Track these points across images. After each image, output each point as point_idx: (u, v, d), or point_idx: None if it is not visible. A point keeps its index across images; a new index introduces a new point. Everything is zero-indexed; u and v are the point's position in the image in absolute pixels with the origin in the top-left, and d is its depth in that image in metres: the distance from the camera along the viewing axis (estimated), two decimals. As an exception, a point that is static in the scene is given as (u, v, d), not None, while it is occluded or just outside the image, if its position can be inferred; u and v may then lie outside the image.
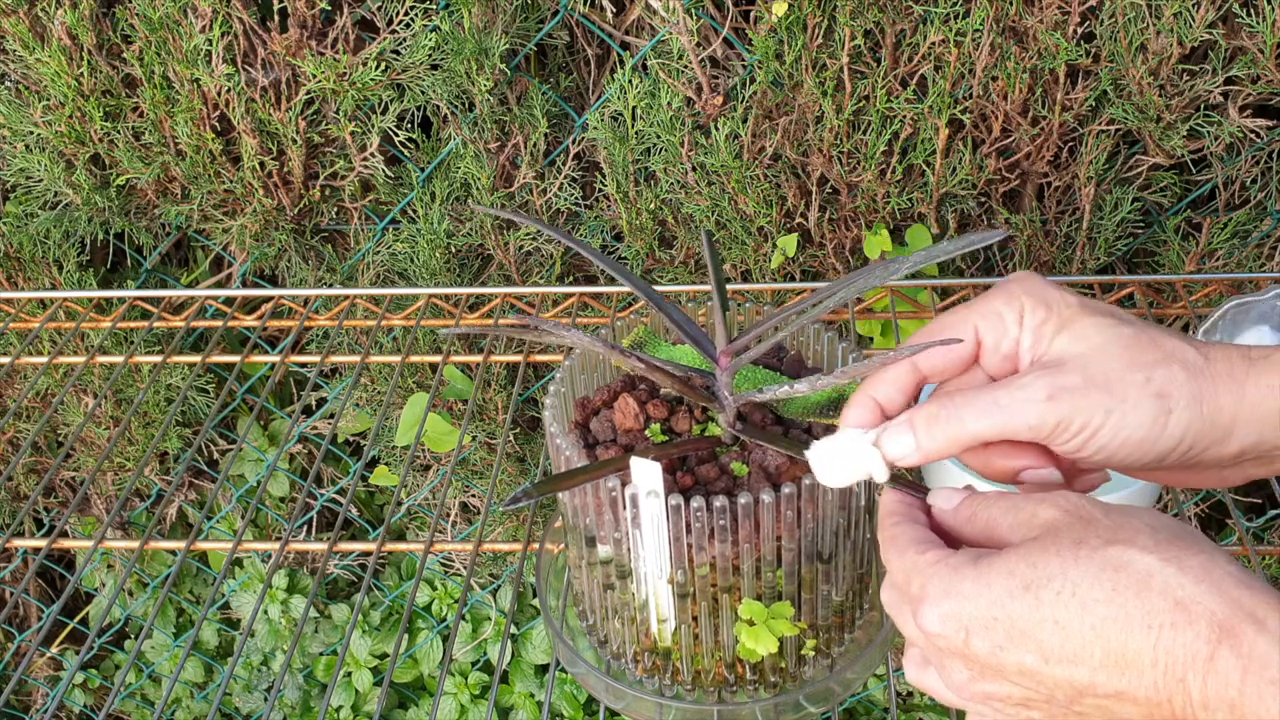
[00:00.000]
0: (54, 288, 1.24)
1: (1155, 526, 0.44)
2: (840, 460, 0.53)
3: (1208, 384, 0.49)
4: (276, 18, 1.06)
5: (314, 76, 1.06)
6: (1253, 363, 0.50)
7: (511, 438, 1.34)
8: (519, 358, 1.05)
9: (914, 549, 0.48)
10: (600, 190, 1.12)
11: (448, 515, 1.48)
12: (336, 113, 1.10)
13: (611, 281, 1.13)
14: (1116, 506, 0.45)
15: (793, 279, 1.13)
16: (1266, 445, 0.50)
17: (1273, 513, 1.21)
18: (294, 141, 1.10)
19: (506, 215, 0.61)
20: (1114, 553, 0.42)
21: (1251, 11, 0.92)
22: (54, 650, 1.69)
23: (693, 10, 1.00)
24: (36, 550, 0.89)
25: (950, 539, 0.50)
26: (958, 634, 0.45)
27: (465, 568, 1.54)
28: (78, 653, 1.68)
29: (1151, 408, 0.49)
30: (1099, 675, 0.42)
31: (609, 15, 1.09)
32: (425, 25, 1.04)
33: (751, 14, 1.04)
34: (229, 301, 1.16)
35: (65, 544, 0.90)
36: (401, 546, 0.89)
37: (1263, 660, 0.39)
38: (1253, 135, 1.00)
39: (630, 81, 1.03)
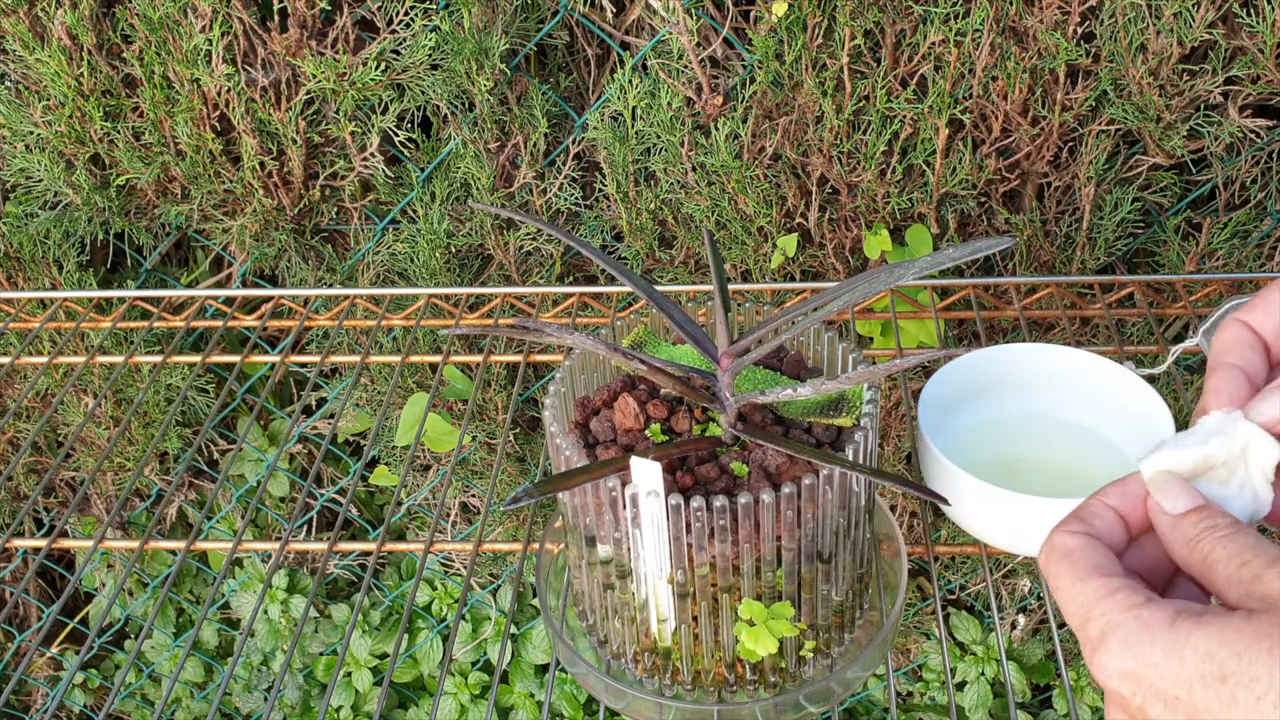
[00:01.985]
0: (54, 288, 1.24)
1: None
2: (1204, 458, 0.45)
3: None
4: (276, 18, 1.06)
5: (314, 76, 1.06)
6: None
7: (511, 438, 1.34)
8: (519, 358, 1.05)
9: (1097, 577, 0.43)
10: (600, 190, 1.12)
11: (448, 515, 1.48)
12: (336, 113, 1.10)
13: (611, 281, 1.13)
14: None
15: (793, 279, 1.13)
16: None
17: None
18: (294, 141, 1.10)
19: (507, 214, 0.61)
20: None
21: (1251, 11, 0.92)
22: (54, 650, 1.69)
23: (693, 10, 1.00)
24: (36, 550, 0.89)
25: (1143, 542, 0.45)
26: (1134, 695, 0.41)
27: (465, 568, 1.54)
28: (78, 653, 1.68)
29: None
30: None
31: (609, 15, 1.09)
32: (425, 25, 1.04)
33: (751, 14, 1.04)
34: (229, 301, 1.16)
35: (65, 544, 0.90)
36: (401, 546, 0.89)
37: None
38: (1253, 135, 1.00)
39: (630, 81, 1.03)
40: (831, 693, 0.65)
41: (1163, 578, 0.46)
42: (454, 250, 1.18)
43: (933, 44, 0.97)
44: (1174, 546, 0.44)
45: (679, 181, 1.08)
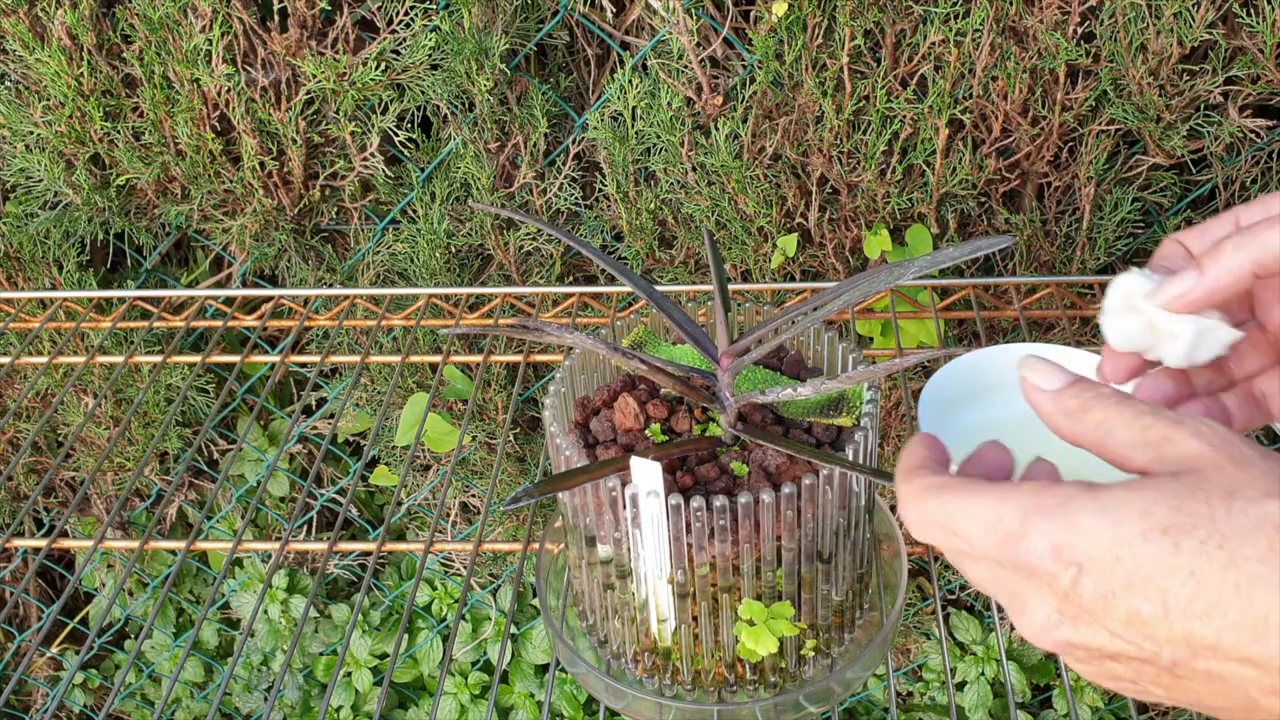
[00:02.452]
0: (54, 288, 1.24)
1: None
2: (1127, 317, 0.49)
3: None
4: (276, 18, 1.06)
5: (314, 76, 1.06)
6: None
7: (511, 438, 1.34)
8: (519, 358, 1.05)
9: (989, 486, 0.42)
10: (600, 190, 1.12)
11: (448, 515, 1.48)
12: (336, 113, 1.10)
13: (611, 281, 1.13)
14: (1271, 452, 0.40)
15: (793, 279, 1.13)
16: None
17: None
18: (294, 141, 1.10)
19: (508, 214, 0.61)
20: (1275, 508, 0.38)
21: (1251, 11, 0.92)
22: (54, 650, 1.69)
23: (693, 10, 1.00)
24: (36, 550, 0.89)
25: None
26: (1067, 570, 0.40)
27: (465, 568, 1.54)
28: (78, 653, 1.68)
29: None
30: (1228, 636, 0.38)
31: (609, 15, 1.09)
32: (425, 25, 1.04)
33: (751, 14, 1.04)
34: (229, 301, 1.16)
35: (65, 544, 0.90)
36: (401, 546, 0.89)
37: None
38: (1253, 135, 1.00)
39: (630, 81, 1.03)
40: (831, 693, 0.65)
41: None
42: (454, 250, 1.18)
43: (933, 44, 0.97)
44: (1059, 420, 0.44)
45: (679, 181, 1.08)
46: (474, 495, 1.45)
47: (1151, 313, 0.49)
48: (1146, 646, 0.39)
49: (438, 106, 1.12)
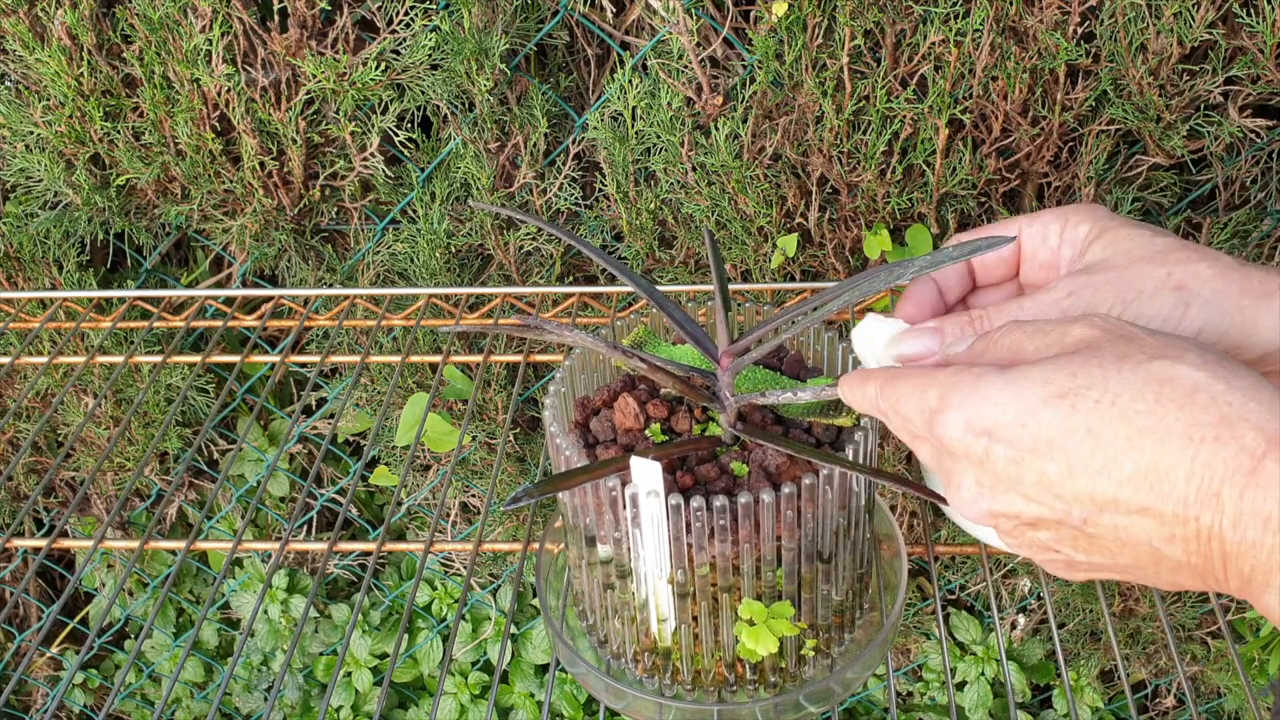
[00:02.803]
0: (54, 288, 1.24)
1: (1203, 348, 0.42)
2: (873, 345, 0.54)
3: (1233, 284, 0.49)
4: (276, 18, 1.06)
5: (314, 76, 1.06)
6: None
7: (511, 438, 1.34)
8: (519, 358, 1.05)
9: (928, 369, 0.47)
10: (600, 190, 1.12)
11: (448, 515, 1.48)
12: (336, 113, 1.10)
13: (612, 281, 1.13)
14: (1158, 331, 0.44)
15: (793, 279, 1.13)
16: None
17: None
18: (294, 141, 1.10)
19: (508, 213, 0.61)
20: (1160, 366, 0.41)
21: (1251, 11, 0.92)
22: (54, 650, 1.69)
23: (693, 10, 1.00)
24: (36, 550, 0.89)
25: None
26: (979, 440, 0.43)
27: (465, 568, 1.54)
28: (78, 653, 1.68)
29: (1169, 299, 0.49)
30: (1124, 490, 0.40)
31: (609, 15, 1.09)
32: (425, 25, 1.04)
33: (751, 14, 1.04)
34: (229, 301, 1.16)
35: (65, 544, 0.90)
36: (401, 546, 0.89)
37: None
38: (1253, 135, 1.00)
39: (630, 81, 1.03)
40: (831, 693, 0.65)
41: None
42: (454, 250, 1.18)
43: (933, 44, 0.97)
44: (981, 362, 0.47)
45: (679, 181, 1.08)
46: (474, 495, 1.45)
47: (889, 360, 0.54)
48: (1058, 506, 0.42)
49: (438, 106, 1.12)
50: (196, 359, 1.08)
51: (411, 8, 1.04)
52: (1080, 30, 0.95)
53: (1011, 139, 1.02)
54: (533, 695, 1.56)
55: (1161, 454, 0.40)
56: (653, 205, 1.10)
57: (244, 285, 1.32)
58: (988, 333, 0.48)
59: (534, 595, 1.56)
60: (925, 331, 0.52)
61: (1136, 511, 0.40)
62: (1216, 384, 0.40)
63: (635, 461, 0.55)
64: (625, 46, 1.10)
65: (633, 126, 1.06)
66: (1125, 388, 0.41)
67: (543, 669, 1.55)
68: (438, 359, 1.03)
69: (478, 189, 1.12)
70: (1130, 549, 0.42)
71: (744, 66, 1.05)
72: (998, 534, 0.46)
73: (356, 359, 1.04)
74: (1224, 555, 0.39)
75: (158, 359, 1.06)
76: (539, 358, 1.06)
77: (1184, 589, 0.42)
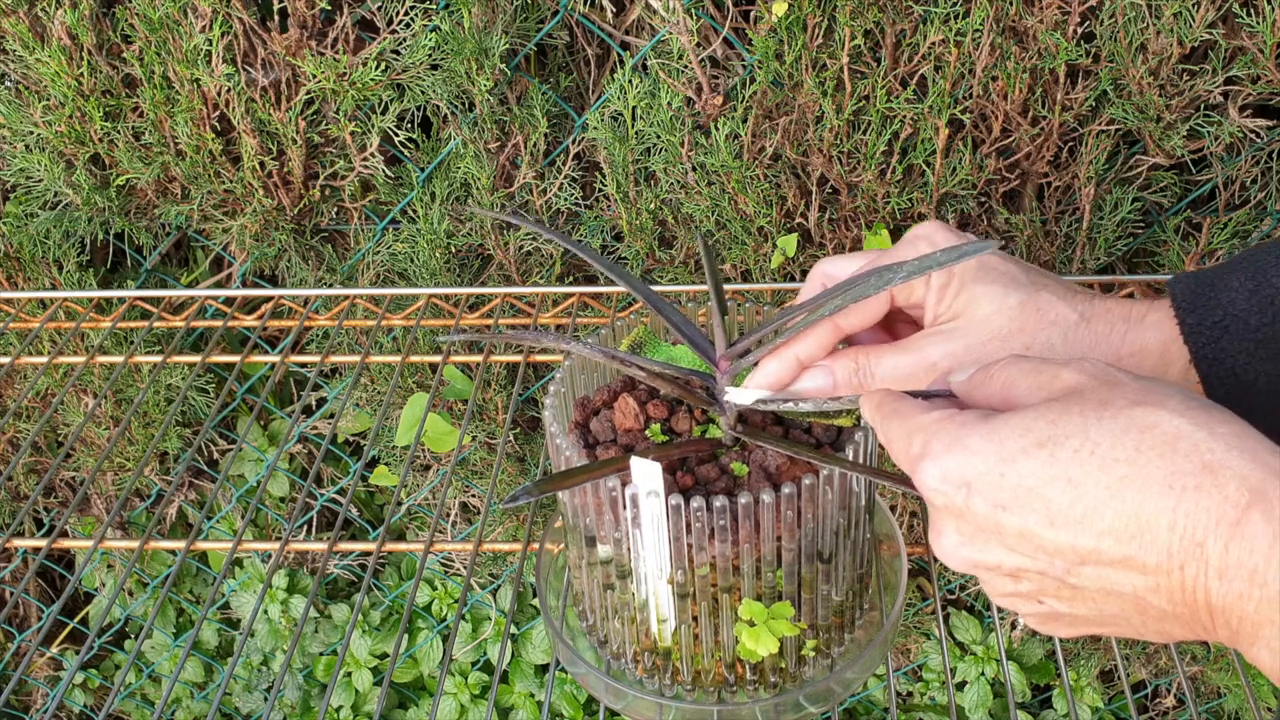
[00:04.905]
0: (54, 288, 1.24)
1: (1186, 394, 0.41)
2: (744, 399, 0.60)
3: (1085, 347, 0.53)
4: (276, 18, 1.06)
5: (314, 76, 1.06)
6: (1130, 324, 0.53)
7: (511, 438, 1.34)
8: (519, 358, 1.05)
9: (919, 411, 0.47)
10: (600, 190, 1.12)
11: (448, 515, 1.48)
12: (336, 113, 1.10)
13: (611, 281, 1.13)
14: (1145, 376, 0.44)
15: (793, 279, 1.13)
16: None
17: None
18: (294, 141, 1.10)
19: (505, 218, 0.61)
20: (1141, 413, 0.40)
21: (1251, 11, 0.92)
22: (54, 650, 1.69)
23: (693, 10, 1.00)
24: (36, 550, 0.89)
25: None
26: (958, 491, 0.43)
27: (465, 568, 1.54)
28: (78, 653, 1.68)
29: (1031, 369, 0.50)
30: (1106, 540, 0.40)
31: (609, 15, 1.09)
32: (425, 25, 1.04)
33: (751, 14, 1.04)
34: (229, 301, 1.16)
35: (65, 544, 0.90)
36: (401, 546, 0.89)
37: None
38: (1253, 135, 1.00)
39: (630, 81, 1.03)
40: (831, 693, 0.65)
41: None
42: (454, 250, 1.18)
43: (933, 44, 0.97)
44: (974, 395, 0.49)
45: (679, 181, 1.08)
46: (474, 495, 1.45)
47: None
48: (1040, 558, 0.42)
49: (438, 106, 1.12)
50: (196, 359, 1.08)
51: (411, 8, 1.04)
52: (1080, 30, 0.95)
53: (1011, 139, 1.02)
54: (533, 695, 1.56)
55: (1143, 503, 0.39)
56: (653, 205, 1.10)
57: (244, 285, 1.32)
58: (987, 365, 0.49)
59: (534, 595, 1.56)
60: (820, 370, 0.58)
61: (1119, 562, 0.40)
62: (1199, 432, 0.39)
63: (635, 462, 0.55)
64: (625, 46, 1.10)
65: (633, 126, 1.06)
66: (1105, 435, 0.40)
67: (543, 669, 1.55)
68: (438, 359, 1.03)
69: (478, 189, 1.12)
70: (1115, 599, 0.41)
71: (744, 66, 1.05)
72: (981, 584, 0.46)
73: (356, 359, 1.04)
74: (1210, 607, 0.38)
75: (158, 359, 1.06)
76: (539, 358, 1.06)
77: (1173, 639, 0.42)
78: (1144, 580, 0.40)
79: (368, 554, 1.51)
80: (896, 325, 0.62)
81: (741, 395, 0.59)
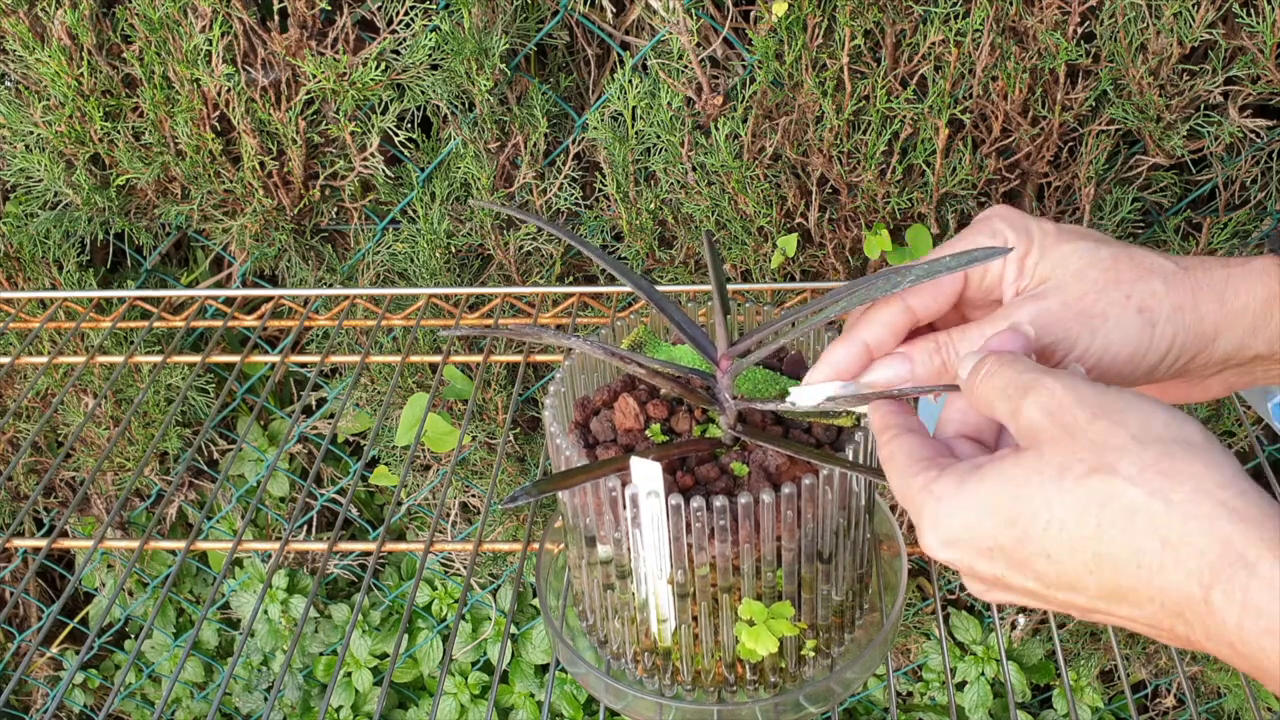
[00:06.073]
0: (54, 288, 1.24)
1: (1142, 441, 0.41)
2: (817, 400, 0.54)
3: (1187, 295, 0.50)
4: (276, 18, 1.06)
5: (314, 76, 1.06)
6: (1230, 272, 0.51)
7: (511, 438, 1.34)
8: (519, 358, 1.05)
9: (908, 468, 0.47)
10: (600, 190, 1.12)
11: (448, 515, 1.48)
12: (336, 113, 1.10)
13: (611, 281, 1.13)
14: (1102, 404, 0.43)
15: (793, 279, 1.13)
16: (1247, 353, 0.51)
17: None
18: (294, 141, 1.10)
19: (509, 212, 0.61)
20: (1098, 484, 0.41)
21: (1251, 11, 0.92)
22: (54, 650, 1.69)
23: (693, 10, 1.00)
24: (36, 550, 0.89)
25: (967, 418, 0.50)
26: (961, 559, 0.45)
27: (465, 568, 1.54)
28: (78, 653, 1.68)
29: (1135, 322, 0.49)
30: (1098, 602, 0.42)
31: (609, 15, 1.09)
32: (425, 25, 1.04)
33: (751, 14, 1.04)
34: (229, 301, 1.16)
35: (65, 544, 0.90)
36: (401, 546, 0.89)
37: (1256, 609, 0.38)
38: (1253, 135, 1.00)
39: (630, 81, 1.03)
40: (831, 693, 0.65)
41: (993, 428, 0.51)
42: (454, 250, 1.18)
43: (933, 44, 0.97)
44: (968, 415, 0.49)
45: (679, 181, 1.08)
46: (474, 495, 1.45)
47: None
48: (1054, 604, 0.44)
49: (438, 106, 1.12)
50: (196, 359, 1.08)
51: (411, 8, 1.04)
52: (1080, 30, 0.95)
53: (1011, 139, 1.02)
54: (533, 695, 1.56)
55: (1119, 579, 0.41)
56: (653, 205, 1.10)
57: (244, 285, 1.32)
58: (975, 368, 0.48)
59: (534, 595, 1.56)
60: (896, 358, 0.52)
61: (1119, 615, 0.42)
62: (1154, 503, 0.40)
63: (635, 462, 0.55)
64: (625, 46, 1.10)
65: (633, 126, 1.06)
66: (1069, 513, 0.41)
67: (543, 669, 1.55)
68: (438, 359, 1.03)
69: (478, 189, 1.12)
70: (1131, 622, 0.44)
71: (744, 66, 1.05)
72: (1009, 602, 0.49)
73: (356, 359, 1.04)
74: (1206, 649, 0.41)
75: (158, 359, 1.06)
76: (539, 358, 1.06)
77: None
78: (1148, 631, 0.43)
79: (368, 554, 1.51)
80: (970, 314, 0.57)
81: (808, 395, 0.54)
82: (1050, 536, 0.42)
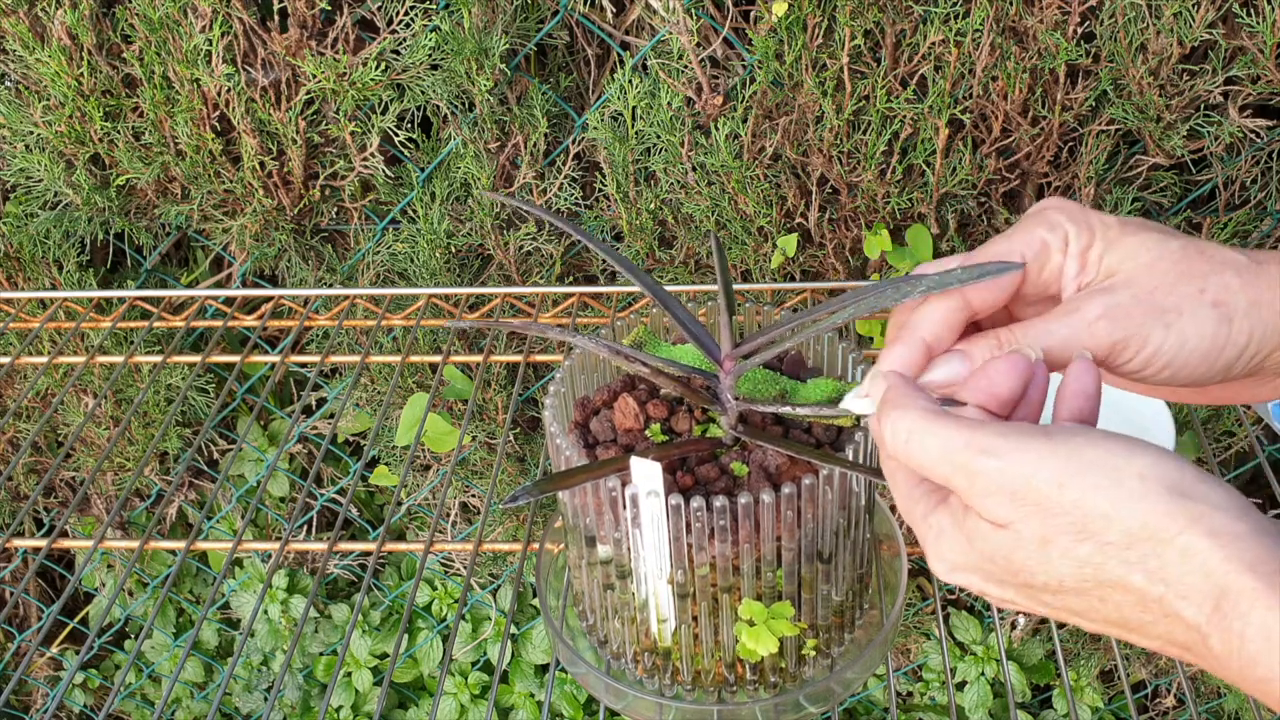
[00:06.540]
0: (54, 288, 1.24)
1: (1111, 517, 0.41)
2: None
3: (1263, 289, 0.48)
4: (276, 18, 1.06)
5: (314, 76, 1.06)
6: None
7: (511, 438, 1.34)
8: (519, 358, 1.05)
9: (909, 492, 0.47)
10: (600, 190, 1.12)
11: (448, 515, 1.48)
12: (336, 113, 1.10)
13: (612, 281, 1.13)
14: (1061, 474, 0.42)
15: (793, 279, 1.13)
16: None
17: (1273, 513, 1.21)
18: (294, 141, 1.10)
19: (519, 205, 0.61)
20: (1085, 552, 0.41)
21: (1251, 11, 0.92)
22: (54, 650, 1.69)
23: (693, 10, 1.00)
24: (36, 550, 0.89)
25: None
26: (971, 584, 0.46)
27: (465, 568, 1.54)
28: (78, 653, 1.68)
29: (1211, 317, 0.47)
30: (1110, 629, 0.43)
31: (609, 15, 1.09)
32: (425, 25, 1.04)
33: (751, 14, 1.04)
34: (229, 301, 1.16)
35: (65, 544, 0.90)
36: (401, 546, 0.89)
37: (1252, 658, 0.38)
38: (1253, 135, 1.00)
39: (630, 81, 1.03)
40: (831, 693, 0.65)
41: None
42: (454, 250, 1.18)
43: (933, 44, 0.97)
44: (972, 422, 0.47)
45: (679, 181, 1.08)
46: (474, 495, 1.45)
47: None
48: (1070, 620, 0.45)
49: (438, 106, 1.12)
50: (196, 359, 1.08)
51: (411, 8, 1.04)
52: (1080, 30, 0.95)
53: (1011, 139, 1.02)
54: (533, 695, 1.56)
55: (1125, 617, 0.42)
56: (653, 205, 1.10)
57: (244, 285, 1.32)
58: (889, 423, 0.46)
59: (534, 595, 1.56)
60: (954, 356, 0.49)
61: (1131, 640, 0.44)
62: (1135, 574, 0.41)
63: (635, 462, 0.55)
64: (625, 46, 1.10)
65: (633, 126, 1.06)
66: (1064, 570, 0.42)
67: (543, 669, 1.55)
68: (438, 359, 1.03)
69: (478, 189, 1.12)
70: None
71: (744, 66, 1.05)
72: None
73: (356, 359, 1.04)
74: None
75: (158, 359, 1.06)
76: (539, 358, 1.06)
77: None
78: (1157, 647, 0.43)
79: (368, 554, 1.51)
80: (1021, 311, 0.53)
81: (865, 405, 0.50)
82: (1050, 590, 0.43)
